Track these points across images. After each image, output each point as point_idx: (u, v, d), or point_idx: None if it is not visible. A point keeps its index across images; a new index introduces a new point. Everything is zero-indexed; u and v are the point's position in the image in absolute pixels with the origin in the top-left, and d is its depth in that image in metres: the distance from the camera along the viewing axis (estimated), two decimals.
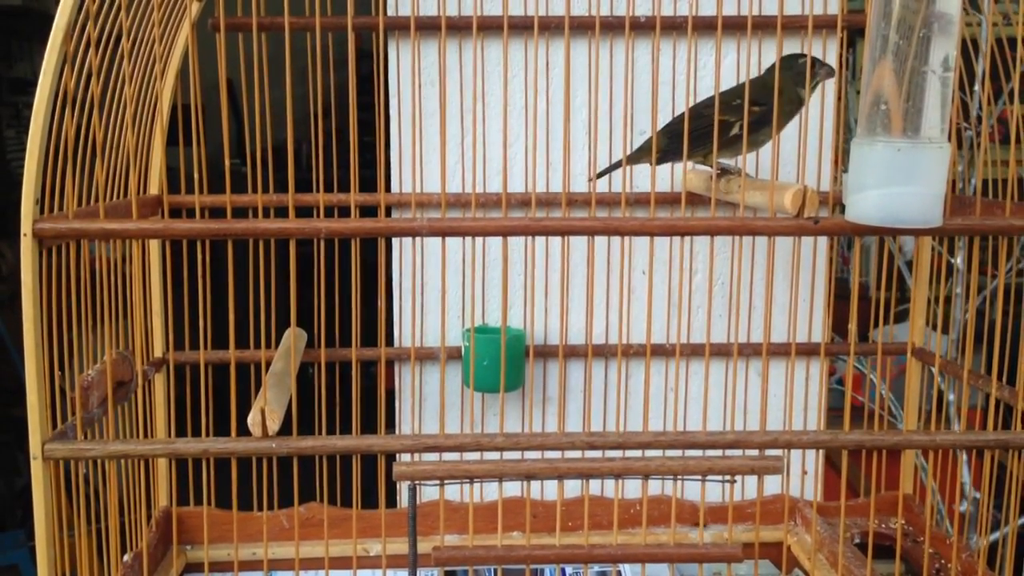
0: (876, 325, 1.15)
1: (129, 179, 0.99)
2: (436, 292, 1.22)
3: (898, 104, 0.75)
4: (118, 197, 0.98)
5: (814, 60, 1.02)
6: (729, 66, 1.19)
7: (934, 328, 1.18)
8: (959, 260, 1.60)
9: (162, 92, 0.95)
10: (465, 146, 1.20)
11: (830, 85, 1.18)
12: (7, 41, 3.36)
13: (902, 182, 0.75)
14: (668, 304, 1.21)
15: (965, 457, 1.57)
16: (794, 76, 1.01)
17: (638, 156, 1.07)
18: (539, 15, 1.01)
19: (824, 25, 1.16)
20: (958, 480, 1.58)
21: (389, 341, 1.22)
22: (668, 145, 1.03)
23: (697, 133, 0.99)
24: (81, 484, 0.89)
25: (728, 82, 1.16)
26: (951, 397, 1.56)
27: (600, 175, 1.11)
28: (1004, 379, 0.99)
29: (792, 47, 1.15)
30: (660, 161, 1.03)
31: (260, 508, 1.13)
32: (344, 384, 1.17)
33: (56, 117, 0.78)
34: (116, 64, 0.88)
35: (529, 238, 1.19)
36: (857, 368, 1.59)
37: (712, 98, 1.06)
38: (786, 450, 0.84)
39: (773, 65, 1.03)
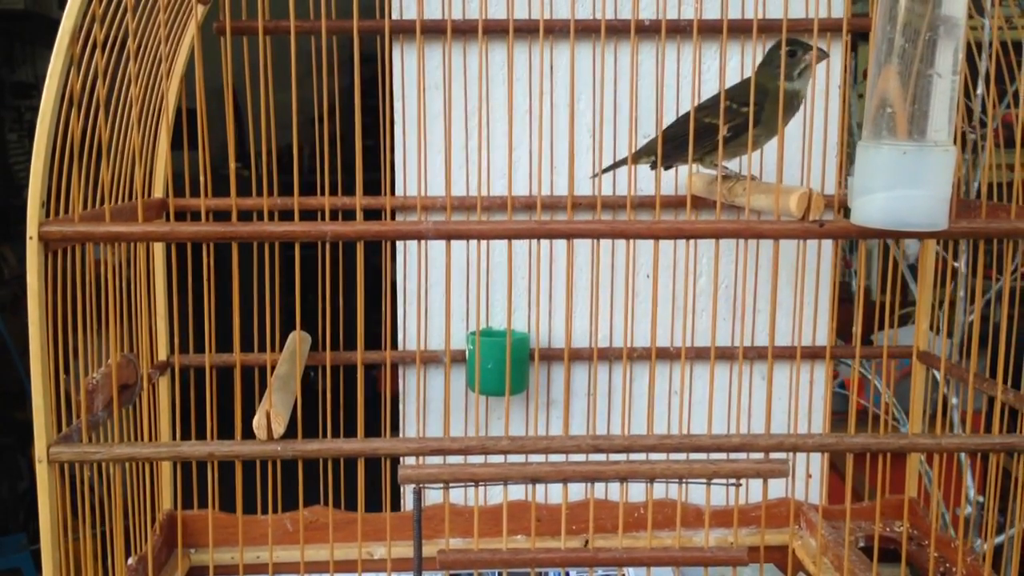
0: (880, 328, 1.15)
1: (133, 182, 0.99)
2: (440, 296, 1.22)
3: (903, 107, 0.75)
4: (121, 201, 0.98)
5: (797, 45, 0.98)
6: (734, 69, 1.19)
7: (937, 332, 1.18)
8: (962, 263, 1.60)
9: (167, 94, 0.95)
10: (469, 149, 1.20)
11: (835, 88, 1.18)
12: (9, 45, 3.36)
13: (908, 185, 0.75)
14: (672, 307, 1.21)
15: (968, 462, 1.57)
16: (773, 70, 0.96)
17: (638, 157, 1.07)
18: (544, 18, 1.00)
19: (828, 28, 1.16)
20: (963, 485, 1.57)
21: (392, 344, 1.22)
22: (666, 149, 1.01)
23: (684, 138, 0.95)
24: (85, 488, 0.89)
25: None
26: (954, 401, 1.55)
27: (604, 171, 1.11)
28: (1009, 383, 0.99)
29: None
30: (666, 166, 1.02)
31: (263, 512, 1.13)
32: (347, 388, 1.17)
33: (62, 119, 0.78)
34: (122, 67, 0.88)
35: (533, 241, 1.20)
36: (860, 371, 1.58)
37: (707, 100, 1.05)
38: (792, 453, 0.84)
39: (762, 61, 1.02)
